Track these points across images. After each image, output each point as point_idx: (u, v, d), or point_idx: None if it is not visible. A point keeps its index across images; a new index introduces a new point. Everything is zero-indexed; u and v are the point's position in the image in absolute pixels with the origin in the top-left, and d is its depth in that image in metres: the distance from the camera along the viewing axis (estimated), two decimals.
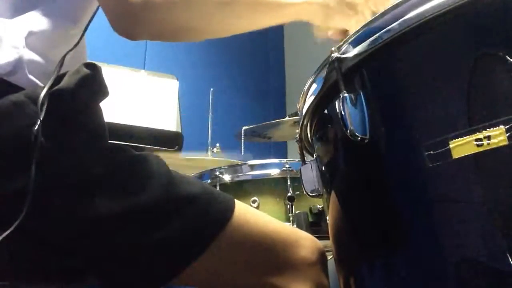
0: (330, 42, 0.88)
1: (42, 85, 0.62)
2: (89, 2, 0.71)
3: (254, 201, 1.30)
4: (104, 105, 0.68)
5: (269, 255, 0.70)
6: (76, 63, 0.66)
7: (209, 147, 1.96)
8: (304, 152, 0.87)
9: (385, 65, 0.58)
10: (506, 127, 0.43)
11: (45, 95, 0.58)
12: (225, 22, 0.74)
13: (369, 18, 0.83)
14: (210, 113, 2.08)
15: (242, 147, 1.70)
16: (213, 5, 0.70)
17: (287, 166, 1.33)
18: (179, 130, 1.75)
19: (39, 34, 0.65)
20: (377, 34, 0.55)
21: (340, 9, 0.80)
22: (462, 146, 0.46)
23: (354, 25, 0.82)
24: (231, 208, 0.68)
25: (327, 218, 0.77)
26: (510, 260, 0.42)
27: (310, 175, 0.81)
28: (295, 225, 1.25)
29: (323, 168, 0.75)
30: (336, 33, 0.86)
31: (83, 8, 0.72)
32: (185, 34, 0.73)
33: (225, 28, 0.76)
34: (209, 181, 1.40)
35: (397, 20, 0.53)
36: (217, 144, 1.96)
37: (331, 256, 1.10)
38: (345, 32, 0.84)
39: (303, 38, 0.85)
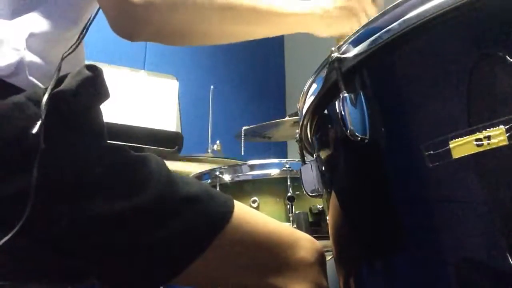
0: (330, 41, 0.88)
1: (42, 86, 0.62)
2: (89, 2, 0.70)
3: (254, 201, 1.30)
4: (104, 105, 0.68)
5: (268, 255, 0.70)
6: (74, 64, 0.66)
7: (209, 147, 1.95)
8: (304, 152, 0.87)
9: (385, 65, 0.58)
10: (506, 127, 0.43)
11: (47, 98, 0.58)
12: (225, 28, 0.74)
13: (365, 21, 0.84)
14: (210, 113, 2.07)
15: (242, 147, 1.70)
16: (214, 10, 0.70)
17: (287, 166, 1.32)
18: (179, 130, 1.75)
19: (40, 35, 0.65)
20: (377, 34, 0.55)
21: (340, 16, 0.80)
22: (462, 146, 0.46)
23: (350, 30, 0.82)
24: (230, 209, 0.68)
25: (327, 218, 0.77)
26: (510, 260, 0.42)
27: (310, 175, 0.81)
28: (295, 225, 1.24)
29: (323, 168, 0.75)
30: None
31: (84, 9, 0.72)
32: (184, 37, 0.73)
33: (224, 34, 0.76)
34: (209, 181, 1.39)
35: (397, 20, 0.53)
36: (217, 144, 1.96)
37: (331, 256, 1.09)
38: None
39: (304, 38, 0.84)
